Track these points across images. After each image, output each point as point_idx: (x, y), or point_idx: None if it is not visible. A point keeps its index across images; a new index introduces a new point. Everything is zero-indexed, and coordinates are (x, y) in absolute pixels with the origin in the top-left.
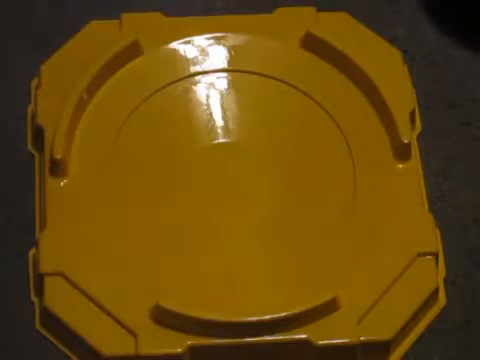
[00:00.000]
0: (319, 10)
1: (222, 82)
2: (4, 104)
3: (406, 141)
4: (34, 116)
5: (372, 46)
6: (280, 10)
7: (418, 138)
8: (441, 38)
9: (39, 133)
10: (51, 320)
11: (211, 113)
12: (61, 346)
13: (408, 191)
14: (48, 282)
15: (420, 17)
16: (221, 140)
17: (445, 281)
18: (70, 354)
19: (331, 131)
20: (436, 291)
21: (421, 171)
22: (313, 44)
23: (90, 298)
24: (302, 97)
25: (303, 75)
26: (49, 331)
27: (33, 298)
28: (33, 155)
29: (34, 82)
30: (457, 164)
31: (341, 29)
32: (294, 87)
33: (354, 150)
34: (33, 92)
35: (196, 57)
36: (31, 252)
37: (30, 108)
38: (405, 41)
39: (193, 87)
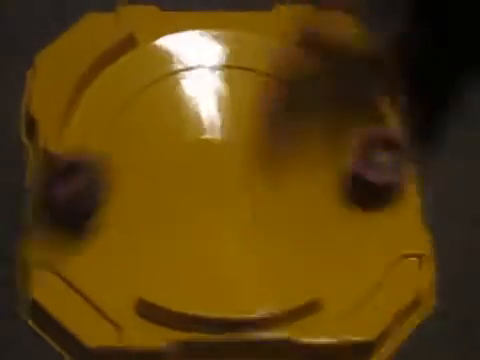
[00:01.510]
0: (319, 9)
1: (216, 78)
2: (2, 95)
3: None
4: (28, 106)
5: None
6: (279, 8)
7: None
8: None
9: (32, 124)
10: (38, 311)
11: (204, 108)
12: (47, 337)
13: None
14: (36, 273)
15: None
16: (213, 135)
17: (436, 282)
18: (55, 345)
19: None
20: (422, 293)
21: (414, 172)
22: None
23: (76, 290)
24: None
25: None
26: (36, 322)
27: (21, 289)
28: (26, 145)
29: (30, 72)
30: (457, 165)
31: (339, 28)
32: (288, 83)
33: (344, 150)
34: (28, 82)
35: (190, 52)
36: (21, 243)
37: (25, 97)
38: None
39: (187, 82)
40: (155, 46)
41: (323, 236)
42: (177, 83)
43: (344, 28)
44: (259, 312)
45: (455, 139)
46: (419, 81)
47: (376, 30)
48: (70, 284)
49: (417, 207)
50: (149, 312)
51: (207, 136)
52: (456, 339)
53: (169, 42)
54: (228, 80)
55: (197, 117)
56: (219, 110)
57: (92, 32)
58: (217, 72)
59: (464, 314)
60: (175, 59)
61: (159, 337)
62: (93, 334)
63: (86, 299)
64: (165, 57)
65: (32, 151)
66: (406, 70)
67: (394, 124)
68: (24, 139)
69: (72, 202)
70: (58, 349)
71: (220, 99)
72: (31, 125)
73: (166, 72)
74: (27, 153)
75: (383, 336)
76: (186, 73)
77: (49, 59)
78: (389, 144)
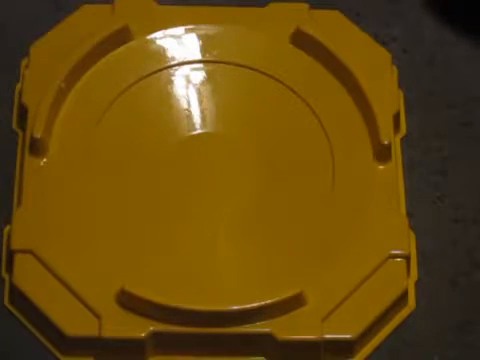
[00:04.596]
0: (318, 8)
1: (207, 73)
2: None
3: (386, 142)
4: (20, 95)
5: (361, 46)
6: (273, 5)
7: (402, 141)
8: (441, 38)
9: (23, 112)
10: (19, 297)
11: (194, 103)
12: (27, 324)
13: (385, 192)
14: (18, 259)
15: (420, 17)
16: (203, 130)
17: (416, 284)
18: (35, 332)
19: (313, 128)
20: (405, 294)
21: (401, 173)
22: (302, 41)
23: (58, 278)
24: (287, 92)
25: (289, 70)
26: (16, 308)
27: (4, 274)
28: (17, 133)
29: (24, 62)
30: (457, 164)
31: (332, 27)
32: (280, 82)
33: (335, 148)
34: (22, 72)
35: (184, 47)
36: (6, 228)
37: (18, 87)
38: (405, 41)
39: (178, 77)
40: (149, 40)
41: (313, 232)
42: (169, 78)
43: (337, 26)
44: (241, 306)
45: None
46: None
47: None
48: (51, 271)
49: (403, 207)
50: (130, 303)
51: (199, 131)
52: (456, 339)
53: (163, 36)
54: (221, 76)
55: (188, 112)
56: (210, 105)
57: (87, 24)
58: (209, 68)
59: (464, 314)
60: (168, 53)
61: (139, 328)
62: (72, 322)
63: (67, 287)
64: (159, 51)
65: (22, 139)
66: None
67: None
68: (15, 127)
69: None
70: (36, 335)
71: (212, 94)
72: (23, 114)
73: (159, 66)
74: (18, 141)
75: (365, 334)
76: (179, 68)
77: (44, 49)
78: None
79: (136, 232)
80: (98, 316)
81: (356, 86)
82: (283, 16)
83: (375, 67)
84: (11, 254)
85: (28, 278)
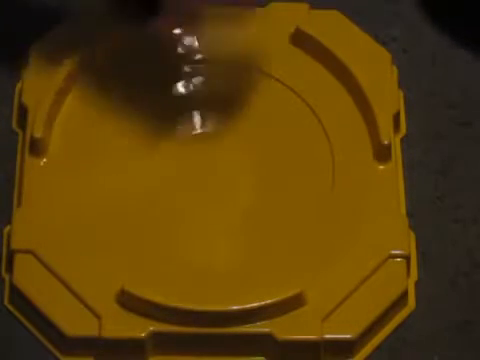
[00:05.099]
0: (318, 8)
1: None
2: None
3: (386, 142)
4: (20, 95)
5: (361, 46)
6: (273, 5)
7: (402, 141)
8: (441, 38)
9: (23, 112)
10: (19, 297)
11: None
12: (27, 323)
13: (385, 192)
14: (18, 259)
15: (420, 17)
16: (203, 130)
17: (416, 284)
18: (35, 332)
19: (313, 128)
20: (405, 294)
21: (401, 173)
22: (302, 41)
23: (58, 278)
24: (287, 92)
25: (289, 70)
26: (16, 308)
27: (4, 274)
28: (17, 133)
29: (24, 62)
30: (457, 164)
31: (332, 27)
32: (280, 82)
33: (335, 148)
34: (22, 72)
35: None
36: (6, 228)
37: (18, 87)
38: (405, 41)
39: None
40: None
41: (313, 232)
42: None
43: (337, 26)
44: (241, 306)
45: None
46: None
47: None
48: (51, 271)
49: (403, 207)
50: (130, 303)
51: (199, 131)
52: (456, 339)
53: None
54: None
55: (190, 112)
56: (212, 106)
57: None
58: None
59: (464, 314)
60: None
61: (139, 328)
62: (72, 322)
63: (67, 287)
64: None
65: (22, 139)
66: None
67: None
68: (15, 127)
69: None
70: (36, 335)
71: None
72: (23, 114)
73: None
74: (18, 141)
75: (365, 334)
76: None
77: (44, 49)
78: None
79: (136, 232)
80: (98, 316)
81: (356, 86)
82: (283, 16)
83: (375, 67)
84: (11, 254)
85: (28, 278)
